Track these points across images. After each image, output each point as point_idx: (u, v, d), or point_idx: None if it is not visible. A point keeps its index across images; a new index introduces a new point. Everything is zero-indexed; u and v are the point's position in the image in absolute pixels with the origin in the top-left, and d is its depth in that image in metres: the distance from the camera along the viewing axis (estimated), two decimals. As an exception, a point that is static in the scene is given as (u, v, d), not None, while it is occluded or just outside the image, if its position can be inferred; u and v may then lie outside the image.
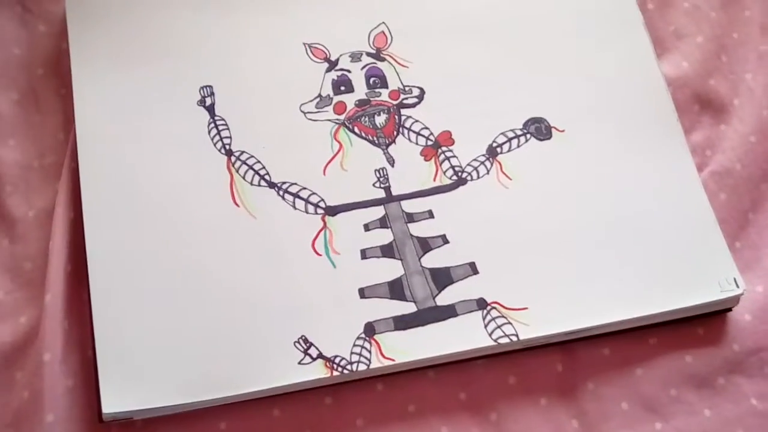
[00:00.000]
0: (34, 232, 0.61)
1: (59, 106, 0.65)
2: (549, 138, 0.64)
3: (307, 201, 0.61)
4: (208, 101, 0.64)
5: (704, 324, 0.62)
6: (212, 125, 0.63)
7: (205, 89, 0.64)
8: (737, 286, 0.60)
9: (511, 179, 0.63)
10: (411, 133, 0.63)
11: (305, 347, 0.57)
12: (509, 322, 0.58)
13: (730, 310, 0.62)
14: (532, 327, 0.58)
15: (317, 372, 0.56)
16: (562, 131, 0.64)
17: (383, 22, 0.67)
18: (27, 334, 0.58)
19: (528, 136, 0.64)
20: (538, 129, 0.64)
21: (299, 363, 0.57)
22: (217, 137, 0.63)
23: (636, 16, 0.68)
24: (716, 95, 0.69)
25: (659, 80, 0.66)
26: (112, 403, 0.55)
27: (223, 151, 0.62)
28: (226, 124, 0.63)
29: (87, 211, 0.60)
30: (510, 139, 0.64)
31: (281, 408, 0.58)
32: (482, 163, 0.63)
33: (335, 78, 0.65)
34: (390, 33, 0.67)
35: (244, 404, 0.57)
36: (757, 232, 0.65)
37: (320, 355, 0.57)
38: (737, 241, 0.64)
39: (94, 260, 0.59)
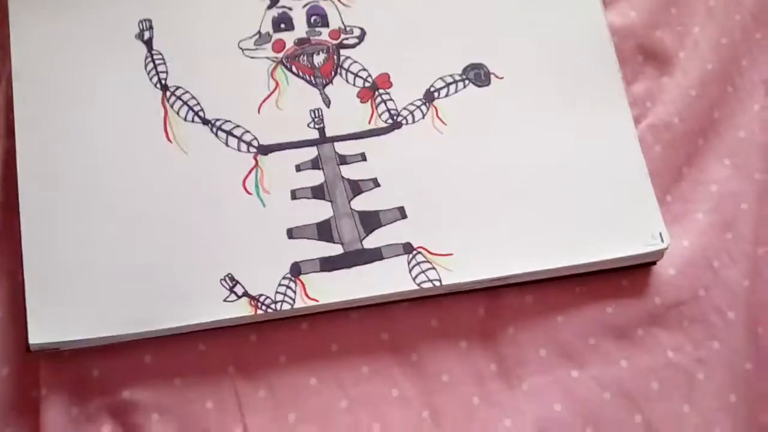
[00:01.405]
0: None
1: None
2: (488, 84, 0.63)
3: (240, 139, 0.60)
4: (146, 35, 0.62)
5: (628, 276, 0.61)
6: (149, 59, 0.62)
7: (143, 23, 0.63)
8: (662, 241, 0.59)
9: (446, 124, 0.62)
10: (349, 74, 0.62)
11: (231, 285, 0.57)
12: (434, 267, 0.58)
13: (654, 263, 0.61)
14: (456, 273, 0.58)
15: (242, 310, 0.56)
16: (501, 78, 0.63)
17: (327, -41, 0.65)
18: None
19: (466, 81, 0.63)
20: (477, 75, 0.63)
21: (224, 300, 0.56)
22: (153, 71, 0.61)
23: (586, -38, 0.66)
24: (661, 47, 0.68)
25: (603, 30, 0.65)
26: (38, 334, 0.55)
27: (158, 86, 0.61)
28: (162, 59, 0.62)
29: (20, 140, 0.59)
30: (448, 84, 0.63)
31: (206, 343, 0.58)
32: (418, 107, 0.62)
33: (275, 15, 0.63)
34: (334, -29, 0.64)
35: (170, 338, 0.57)
36: (689, 187, 0.64)
37: (245, 293, 0.56)
38: (668, 194, 0.64)
39: (25, 190, 0.58)
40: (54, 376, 0.56)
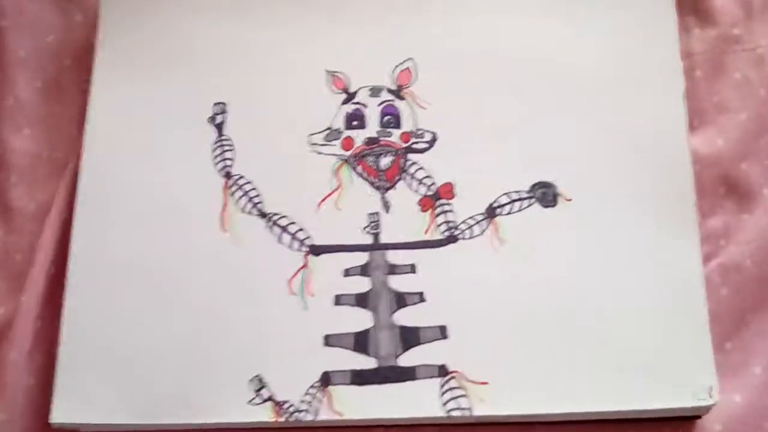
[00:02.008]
0: (30, 225, 0.62)
1: (80, 100, 0.65)
2: (554, 206, 0.60)
3: (293, 236, 0.60)
4: (219, 119, 0.63)
5: (671, 426, 0.58)
6: (218, 145, 0.62)
7: (218, 106, 0.63)
8: (710, 397, 0.56)
9: (504, 244, 0.59)
10: (413, 180, 0.61)
11: (258, 387, 0.57)
12: (466, 395, 0.56)
13: (700, 417, 0.58)
14: (489, 404, 0.56)
15: (264, 414, 0.56)
16: (569, 200, 0.60)
17: (411, 58, 0.63)
18: (1, 326, 0.59)
19: (532, 200, 0.61)
20: (545, 195, 0.60)
21: (249, 402, 0.56)
22: (220, 158, 0.62)
23: (677, 83, 0.63)
24: (746, 180, 0.64)
25: (686, 160, 0.61)
26: (61, 413, 0.56)
27: (222, 173, 0.61)
28: (231, 145, 0.62)
29: (78, 215, 0.61)
30: (512, 201, 0.60)
31: (229, 439, 0.58)
32: (478, 222, 0.60)
33: (349, 111, 0.62)
34: (416, 70, 0.63)
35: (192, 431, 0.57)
36: (751, 336, 0.60)
37: (271, 398, 0.56)
38: (728, 341, 0.60)
39: (75, 265, 0.59)
40: (71, 457, 0.57)
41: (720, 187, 0.64)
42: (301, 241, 0.60)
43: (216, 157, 0.62)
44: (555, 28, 0.64)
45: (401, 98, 0.63)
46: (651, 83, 0.63)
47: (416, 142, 0.62)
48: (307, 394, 0.56)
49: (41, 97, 0.66)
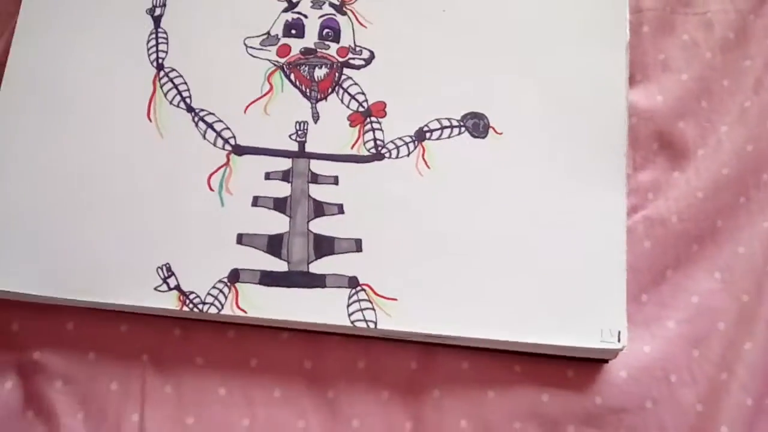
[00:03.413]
0: None
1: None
2: (484, 137, 0.66)
3: (218, 134, 0.64)
4: (158, 11, 0.68)
5: (575, 367, 0.64)
6: (152, 36, 0.67)
7: (158, -1, 0.67)
8: (619, 341, 0.61)
9: (429, 168, 0.65)
10: (346, 94, 0.66)
11: (165, 275, 0.61)
12: (373, 308, 0.61)
13: (606, 361, 0.63)
14: (394, 319, 0.61)
15: (169, 302, 0.61)
16: (500, 134, 0.66)
17: (357, -26, 0.68)
18: None
19: (462, 129, 0.66)
20: (476, 125, 0.66)
21: (155, 288, 0.61)
22: (154, 49, 0.67)
23: (622, 35, 0.68)
24: (681, 139, 0.70)
25: (621, 108, 0.67)
26: None
27: (155, 64, 0.66)
28: (166, 39, 0.67)
29: (4, 91, 0.65)
30: (443, 128, 0.66)
31: (130, 325, 0.63)
32: (406, 143, 0.65)
33: (289, 20, 0.67)
34: (361, -12, 0.68)
35: (96, 311, 0.62)
36: (670, 292, 0.66)
37: (177, 287, 0.61)
38: (645, 293, 0.66)
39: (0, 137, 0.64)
40: (-28, 320, 0.62)
41: (654, 143, 0.70)
42: (226, 140, 0.64)
43: (150, 48, 0.67)
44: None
45: (342, 14, 0.68)
46: (595, 32, 0.69)
47: (353, 58, 0.67)
48: (213, 287, 0.61)
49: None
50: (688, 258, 0.67)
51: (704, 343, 0.65)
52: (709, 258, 0.67)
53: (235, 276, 0.61)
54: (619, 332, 0.61)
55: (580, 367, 0.63)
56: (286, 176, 0.64)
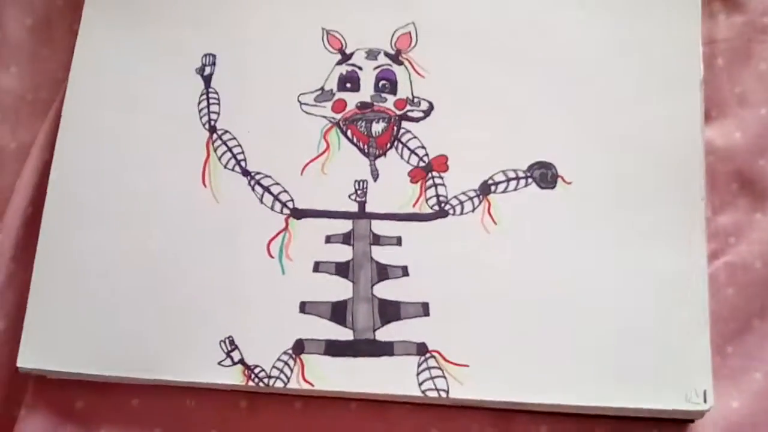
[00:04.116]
0: (11, 165, 0.70)
1: (69, 41, 0.71)
2: (552, 187, 0.66)
3: (275, 197, 0.65)
4: (207, 71, 0.69)
5: (661, 427, 0.64)
6: (203, 97, 0.68)
7: (207, 57, 0.69)
8: (705, 401, 0.61)
9: (496, 223, 0.65)
10: (405, 149, 0.67)
11: (229, 349, 0.62)
12: (444, 376, 0.62)
13: (692, 421, 0.63)
14: (467, 387, 0.62)
15: (234, 377, 0.62)
16: (569, 183, 0.66)
17: (412, 22, 0.69)
18: None
19: (529, 180, 0.66)
20: (543, 175, 0.66)
21: (219, 363, 0.62)
22: (206, 111, 0.68)
23: (695, 70, 0.68)
24: (762, 177, 0.69)
25: (698, 150, 0.66)
26: (28, 358, 0.63)
27: (207, 126, 0.67)
28: (218, 99, 0.68)
29: (57, 159, 0.67)
30: (509, 180, 0.66)
31: (196, 399, 0.64)
32: (470, 198, 0.66)
33: (343, 73, 0.68)
34: (416, 35, 0.69)
35: (161, 387, 0.64)
36: (756, 342, 0.66)
37: (241, 361, 0.62)
38: (730, 345, 0.66)
39: (50, 208, 0.66)
40: (37, 400, 0.64)
41: (733, 183, 0.70)
42: (284, 203, 0.65)
43: (201, 109, 0.68)
44: (569, 3, 0.69)
45: (399, 63, 0.69)
46: (667, 68, 0.68)
47: (411, 110, 0.68)
48: (278, 360, 0.62)
49: (30, 36, 0.73)
50: (774, 305, 0.67)
51: None
52: None
53: (299, 347, 0.62)
54: (705, 392, 0.61)
55: (665, 427, 0.64)
56: (347, 239, 0.65)
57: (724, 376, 0.64)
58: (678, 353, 0.62)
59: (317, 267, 0.65)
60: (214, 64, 0.69)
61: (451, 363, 0.62)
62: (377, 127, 0.67)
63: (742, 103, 0.71)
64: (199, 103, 0.68)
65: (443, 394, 0.62)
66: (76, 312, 0.64)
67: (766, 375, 0.65)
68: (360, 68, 0.69)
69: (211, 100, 0.68)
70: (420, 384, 0.62)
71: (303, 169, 0.66)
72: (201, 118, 0.68)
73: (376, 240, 0.65)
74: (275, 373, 0.62)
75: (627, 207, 0.66)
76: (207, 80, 0.69)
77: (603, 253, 0.65)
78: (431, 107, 0.68)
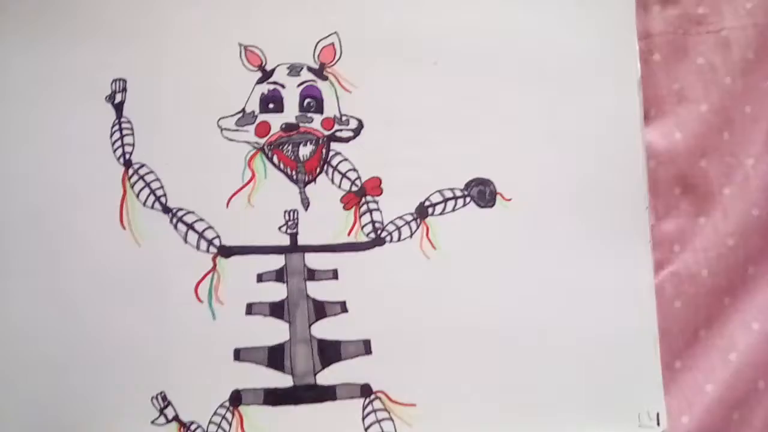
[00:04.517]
0: None
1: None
2: (492, 205, 0.65)
3: (201, 235, 0.63)
4: (118, 98, 0.65)
5: (614, 449, 0.64)
6: (116, 128, 0.65)
7: (117, 83, 0.66)
8: (658, 424, 0.62)
9: (435, 248, 0.64)
10: (336, 173, 0.65)
11: (162, 405, 0.61)
12: (391, 418, 0.61)
13: (645, 440, 0.64)
14: (416, 428, 0.62)
15: (169, 436, 0.60)
16: (509, 200, 0.65)
17: (335, 32, 0.67)
18: None
19: (467, 199, 0.65)
20: (481, 193, 0.65)
21: (152, 422, 0.61)
22: (119, 143, 0.65)
23: (632, 71, 0.68)
24: (704, 180, 0.69)
25: (639, 158, 0.66)
26: None
27: (122, 160, 0.65)
28: (131, 129, 0.65)
29: None
30: (446, 200, 0.65)
31: (130, 459, 0.62)
32: (408, 223, 0.64)
33: (265, 92, 0.66)
34: (340, 47, 0.67)
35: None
36: (703, 353, 0.67)
37: (176, 418, 0.61)
38: (679, 359, 0.66)
39: None
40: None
41: (676, 187, 0.70)
42: (210, 241, 0.63)
43: (115, 142, 0.65)
44: (499, 9, 0.68)
45: (323, 78, 0.67)
46: (602, 70, 0.68)
47: (340, 130, 0.66)
48: (215, 414, 0.61)
49: None
50: (721, 313, 0.68)
51: (745, 405, 0.66)
52: (743, 310, 0.68)
53: (237, 398, 0.61)
54: (658, 414, 0.62)
55: (619, 448, 0.64)
56: (280, 276, 0.63)
57: (674, 392, 0.65)
58: (628, 375, 0.63)
59: (250, 309, 0.63)
60: (125, 89, 0.65)
61: (398, 403, 0.62)
62: (305, 151, 0.65)
63: (681, 100, 0.71)
64: (112, 134, 0.65)
65: (391, 438, 0.61)
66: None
67: (715, 386, 0.66)
68: (282, 86, 0.66)
69: (124, 131, 0.65)
70: (366, 429, 0.62)
71: (228, 201, 0.64)
72: (115, 151, 0.65)
73: (311, 275, 0.64)
74: (213, 428, 0.61)
75: (569, 222, 0.65)
76: (118, 108, 0.65)
77: (546, 272, 0.64)
78: (360, 125, 0.66)
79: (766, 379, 0.66)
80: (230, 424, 0.61)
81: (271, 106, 0.66)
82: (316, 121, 0.66)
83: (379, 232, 0.65)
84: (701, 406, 0.66)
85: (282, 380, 0.62)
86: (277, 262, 0.64)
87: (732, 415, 0.65)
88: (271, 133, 0.66)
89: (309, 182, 0.65)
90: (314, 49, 0.67)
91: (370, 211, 0.65)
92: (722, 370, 0.66)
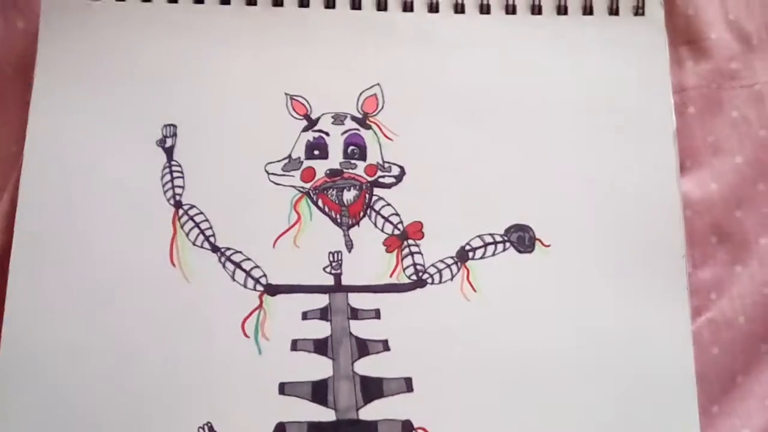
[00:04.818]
0: None
1: (20, 113, 0.71)
2: (530, 251, 0.68)
3: (248, 274, 0.66)
4: (169, 142, 0.69)
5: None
6: (167, 170, 0.68)
7: (168, 128, 0.69)
8: (695, 467, 0.63)
9: (475, 291, 0.67)
10: (379, 217, 0.68)
11: (208, 436, 0.63)
12: (431, 454, 0.63)
13: (682, 484, 0.65)
14: (453, 464, 0.63)
15: (215, 467, 0.63)
16: (548, 246, 0.68)
17: (378, 84, 0.70)
18: None
19: (507, 244, 0.68)
20: (521, 239, 0.68)
21: (199, 451, 0.63)
22: (170, 185, 0.68)
23: (668, 122, 0.71)
24: (740, 229, 0.72)
25: (676, 206, 0.69)
26: None
27: (172, 201, 0.68)
28: (181, 172, 0.68)
29: (17, 241, 0.67)
30: (486, 245, 0.68)
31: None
32: (449, 266, 0.67)
33: (310, 140, 0.69)
34: (383, 98, 0.70)
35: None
36: (740, 400, 0.68)
37: (222, 448, 0.63)
38: (716, 405, 0.68)
39: (12, 293, 0.66)
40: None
41: (712, 236, 0.72)
42: (257, 280, 0.66)
43: (165, 183, 0.69)
44: (536, 62, 0.72)
45: (366, 127, 0.70)
46: (639, 122, 0.71)
47: (383, 176, 0.69)
48: (260, 445, 0.63)
49: (-19, 107, 0.72)
50: (759, 360, 0.70)
51: None
52: None
53: (281, 431, 0.63)
54: (695, 456, 0.64)
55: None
56: (324, 314, 0.66)
57: (711, 437, 0.67)
58: (666, 418, 0.65)
59: (295, 345, 0.66)
60: (175, 135, 0.69)
61: (438, 440, 0.64)
62: (348, 196, 0.69)
63: (716, 152, 0.74)
64: (162, 177, 0.69)
65: (432, 474, 0.63)
66: (39, 406, 0.64)
67: (753, 430, 0.67)
68: (327, 134, 0.70)
69: (174, 174, 0.69)
70: (407, 464, 0.63)
71: (275, 242, 0.67)
72: (165, 192, 0.68)
73: (354, 314, 0.66)
74: (257, 460, 0.63)
75: (607, 268, 0.68)
76: (169, 152, 0.69)
77: (585, 318, 0.67)
78: (402, 172, 0.70)
79: (804, 424, 0.68)
80: (274, 456, 0.63)
81: (316, 152, 0.70)
82: (360, 168, 0.70)
83: (420, 274, 0.67)
84: (740, 452, 0.67)
85: (325, 414, 0.64)
86: (321, 301, 0.67)
87: (770, 461, 0.67)
88: (317, 178, 0.69)
89: (353, 225, 0.68)
90: (357, 100, 0.71)
91: (412, 254, 0.68)
92: (759, 415, 0.68)
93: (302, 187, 0.69)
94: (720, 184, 0.73)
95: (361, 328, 0.66)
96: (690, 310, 0.68)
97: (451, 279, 0.67)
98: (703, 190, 0.73)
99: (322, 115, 0.70)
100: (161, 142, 0.69)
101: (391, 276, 0.67)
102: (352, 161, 0.70)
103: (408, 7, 0.72)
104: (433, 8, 0.72)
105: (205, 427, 0.64)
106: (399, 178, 0.69)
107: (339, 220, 0.68)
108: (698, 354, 0.67)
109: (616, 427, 0.65)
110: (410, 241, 0.68)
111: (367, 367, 0.65)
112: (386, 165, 0.70)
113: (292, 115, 0.70)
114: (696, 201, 0.72)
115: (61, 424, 0.64)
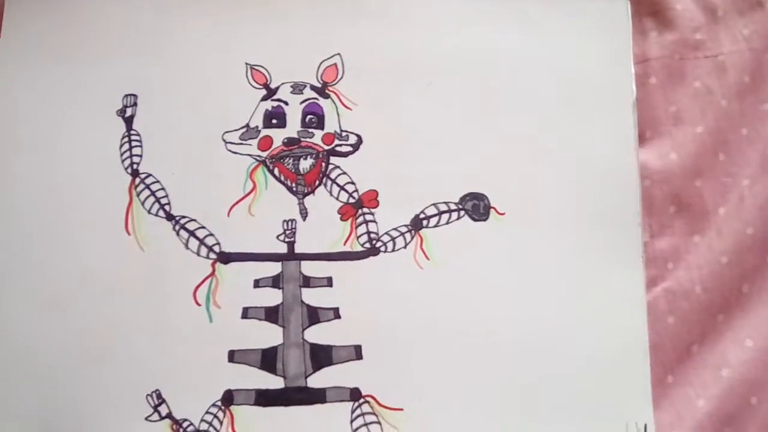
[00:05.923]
0: None
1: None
2: (485, 219, 0.64)
3: (201, 242, 0.62)
4: (129, 112, 0.65)
5: (602, 461, 0.61)
6: (126, 139, 0.65)
7: (128, 98, 0.66)
8: (646, 435, 0.59)
9: (428, 259, 0.63)
10: (334, 185, 0.64)
11: (156, 403, 0.60)
12: (378, 422, 0.60)
13: (634, 453, 0.61)
14: (402, 432, 0.59)
15: (161, 432, 0.59)
16: (502, 214, 0.64)
17: (338, 54, 0.66)
18: None
19: (462, 212, 0.63)
20: (476, 207, 0.63)
21: (146, 418, 0.60)
22: (128, 154, 0.64)
23: (627, 93, 0.66)
24: (699, 199, 0.67)
25: (633, 176, 0.65)
26: None
27: (129, 170, 0.64)
28: (140, 141, 0.65)
29: None
30: (440, 213, 0.64)
31: (126, 455, 0.61)
32: (402, 234, 0.63)
33: (269, 109, 0.65)
34: (343, 67, 0.66)
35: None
36: (695, 370, 0.64)
37: (169, 415, 0.60)
38: (671, 375, 0.64)
39: None
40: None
41: (671, 206, 0.67)
42: (210, 248, 0.63)
43: (123, 153, 0.65)
44: (494, 32, 0.67)
45: (325, 96, 0.66)
46: (598, 92, 0.67)
47: (339, 145, 0.65)
48: (207, 413, 0.60)
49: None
50: (714, 330, 0.65)
51: (736, 420, 0.63)
52: (737, 327, 0.65)
53: (229, 398, 0.60)
54: (646, 425, 0.60)
55: (607, 460, 0.61)
56: (276, 282, 0.62)
57: (665, 407, 0.63)
58: (618, 386, 0.61)
59: (246, 313, 0.62)
60: (135, 104, 0.65)
61: (386, 407, 0.60)
62: (305, 164, 0.64)
63: (677, 122, 0.69)
64: (121, 146, 0.65)
65: (378, 441, 0.59)
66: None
67: (707, 401, 0.63)
68: (286, 103, 0.66)
69: (133, 143, 0.65)
70: (354, 431, 0.59)
71: (229, 210, 0.63)
72: (123, 161, 0.64)
73: (307, 282, 0.62)
74: (204, 426, 0.59)
75: (561, 236, 0.64)
76: (129, 122, 0.65)
77: (538, 285, 0.63)
78: (360, 141, 0.65)
79: (758, 395, 0.63)
80: (221, 423, 0.59)
81: (274, 121, 0.65)
82: (317, 137, 0.65)
83: (374, 242, 0.63)
84: (693, 421, 0.63)
85: (274, 382, 0.61)
86: (274, 269, 0.63)
87: (723, 430, 0.62)
88: (274, 146, 0.65)
89: (308, 194, 0.64)
90: (317, 69, 0.66)
91: (366, 222, 0.64)
92: (714, 385, 0.64)
93: (259, 156, 0.65)
94: (680, 154, 0.68)
95: (312, 296, 0.62)
96: (646, 279, 0.63)
97: (405, 247, 0.63)
98: (663, 160, 0.68)
99: (282, 84, 0.66)
100: (121, 112, 0.65)
101: (345, 244, 0.63)
102: (310, 130, 0.65)
103: (369, -21, 0.68)
104: (394, -20, 0.68)
105: (153, 395, 0.60)
106: (356, 147, 0.65)
107: (295, 189, 0.64)
108: (654, 323, 0.63)
109: (567, 394, 0.60)
110: (365, 210, 0.64)
111: (317, 334, 0.61)
112: (344, 134, 0.65)
113: (252, 85, 0.66)
114: (655, 171, 0.67)
115: (13, 386, 0.60)
